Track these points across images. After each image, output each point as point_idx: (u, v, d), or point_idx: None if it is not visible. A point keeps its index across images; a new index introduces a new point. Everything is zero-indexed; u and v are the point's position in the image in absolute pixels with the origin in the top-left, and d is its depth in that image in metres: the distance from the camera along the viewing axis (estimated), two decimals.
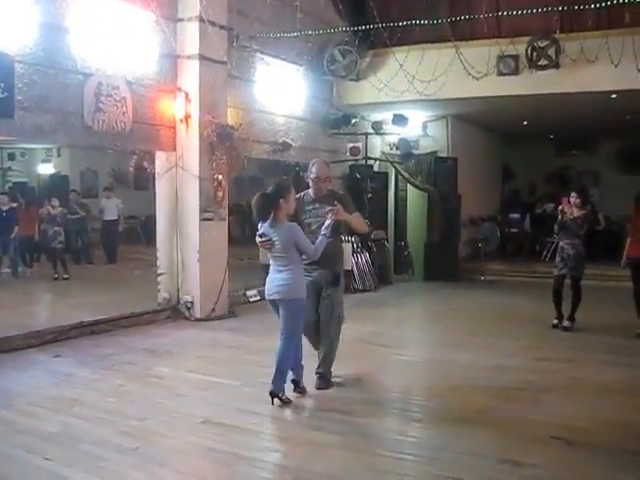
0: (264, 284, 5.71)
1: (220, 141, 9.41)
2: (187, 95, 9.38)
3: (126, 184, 17.88)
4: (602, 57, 10.38)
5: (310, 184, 6.08)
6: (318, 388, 5.95)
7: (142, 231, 17.39)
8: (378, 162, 14.51)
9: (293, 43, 11.28)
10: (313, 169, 6.05)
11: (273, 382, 5.45)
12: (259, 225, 5.58)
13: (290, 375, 5.69)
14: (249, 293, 10.70)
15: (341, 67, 12.43)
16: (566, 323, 8.77)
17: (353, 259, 12.14)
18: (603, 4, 9.78)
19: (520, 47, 11.31)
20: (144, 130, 9.03)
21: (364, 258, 12.60)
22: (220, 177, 9.59)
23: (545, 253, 14.75)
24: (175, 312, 9.58)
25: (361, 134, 13.52)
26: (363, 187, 13.06)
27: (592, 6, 10.15)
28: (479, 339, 8.32)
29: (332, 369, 6.11)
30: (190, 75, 9.39)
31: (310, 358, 6.05)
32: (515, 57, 11.44)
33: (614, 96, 11.52)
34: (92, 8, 8.00)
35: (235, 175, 10.67)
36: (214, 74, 9.54)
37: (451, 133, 14.80)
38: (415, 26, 10.86)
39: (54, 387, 6.11)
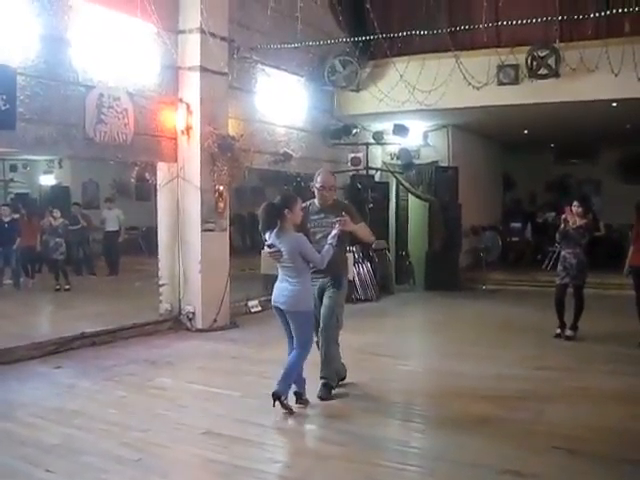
0: (265, 294, 5.75)
1: (221, 152, 9.43)
2: (188, 106, 9.41)
3: (128, 195, 17.93)
4: (602, 66, 10.40)
5: (315, 193, 6.14)
6: (320, 397, 5.92)
7: (143, 242, 17.40)
8: (379, 172, 14.53)
9: (294, 54, 11.33)
10: (319, 178, 6.11)
11: (278, 383, 5.47)
12: (266, 235, 5.62)
13: (293, 387, 5.69)
14: (250, 304, 10.69)
15: (342, 78, 12.46)
16: (569, 332, 8.75)
17: (355, 269, 12.13)
18: (603, 13, 9.82)
19: (520, 56, 11.35)
20: (145, 141, 9.06)
21: (365, 268, 12.60)
22: (221, 188, 9.60)
23: (546, 262, 14.76)
24: (177, 323, 9.58)
25: (362, 144, 13.56)
26: (364, 197, 13.05)
27: (592, 15, 10.20)
28: (480, 349, 8.30)
29: (337, 378, 6.11)
30: (191, 86, 9.42)
31: (312, 370, 6.04)
32: (515, 67, 11.47)
33: (614, 105, 11.55)
34: (94, 20, 8.04)
35: (236, 186, 10.70)
36: (215, 85, 9.58)
37: (452, 143, 14.82)
38: (415, 36, 10.91)
39: (56, 398, 6.10)
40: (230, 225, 10.15)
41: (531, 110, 12.28)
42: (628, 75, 10.16)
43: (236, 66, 10.11)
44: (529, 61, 11.28)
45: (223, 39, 9.63)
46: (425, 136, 14.78)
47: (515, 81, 11.51)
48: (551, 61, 11.16)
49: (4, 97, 6.89)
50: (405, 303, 12.78)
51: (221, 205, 9.66)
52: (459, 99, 11.81)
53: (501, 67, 11.53)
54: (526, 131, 16.02)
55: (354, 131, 13.01)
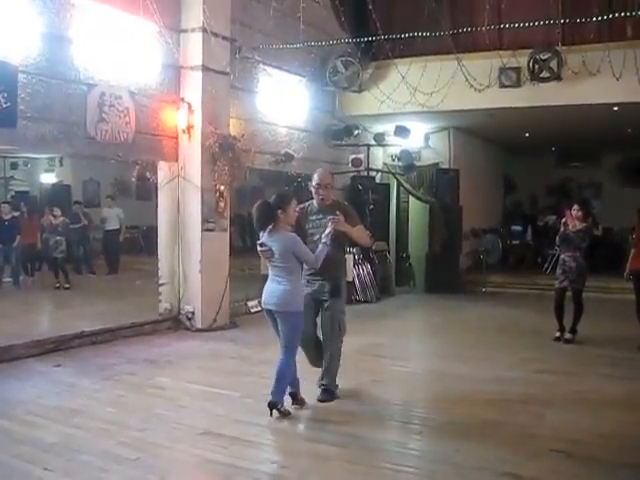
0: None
1: (222, 152, 9.43)
2: (190, 106, 9.41)
3: (128, 194, 17.91)
4: (604, 70, 10.40)
5: (313, 193, 6.00)
6: (320, 400, 5.92)
7: (144, 241, 17.39)
8: (380, 173, 14.53)
9: (296, 54, 11.34)
10: (315, 176, 5.99)
11: (272, 393, 5.43)
12: (260, 234, 5.57)
13: (288, 388, 5.67)
14: (250, 304, 10.68)
15: (343, 78, 12.46)
16: (568, 335, 8.74)
17: (355, 271, 12.14)
18: (605, 17, 9.82)
19: (522, 59, 11.36)
20: (147, 140, 9.06)
21: (366, 270, 12.60)
22: (222, 188, 9.60)
23: (547, 265, 14.76)
24: (176, 322, 9.58)
25: (363, 145, 13.56)
26: (365, 198, 13.06)
27: (594, 19, 10.19)
28: (480, 351, 8.29)
29: (337, 382, 6.08)
30: (193, 86, 9.43)
31: (310, 370, 6.03)
32: (517, 69, 11.48)
33: (616, 108, 11.55)
34: (95, 19, 8.05)
35: (237, 186, 10.69)
36: (217, 85, 9.58)
37: (453, 145, 14.81)
38: (417, 38, 10.91)
39: (54, 397, 6.10)
40: (230, 225, 10.15)
41: (532, 113, 12.29)
42: (630, 79, 10.16)
43: (238, 66, 10.12)
44: (531, 64, 11.29)
45: (225, 39, 9.63)
46: (426, 138, 14.78)
47: (517, 84, 11.52)
48: (553, 64, 11.15)
49: (5, 95, 6.90)
50: (405, 305, 12.78)
51: (222, 205, 9.66)
52: (461, 101, 11.81)
53: (503, 70, 11.54)
54: (527, 134, 16.02)
55: (355, 132, 13.01)
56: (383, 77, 12.54)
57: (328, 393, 5.98)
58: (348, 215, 5.85)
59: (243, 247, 16.49)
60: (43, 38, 7.48)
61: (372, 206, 13.13)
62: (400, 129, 13.24)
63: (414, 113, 12.42)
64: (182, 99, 9.46)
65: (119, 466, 4.49)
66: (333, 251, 5.70)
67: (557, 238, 8.89)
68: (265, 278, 5.73)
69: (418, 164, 14.33)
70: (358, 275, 12.36)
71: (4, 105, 6.90)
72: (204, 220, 9.45)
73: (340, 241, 5.91)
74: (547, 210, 17.60)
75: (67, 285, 13.14)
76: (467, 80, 11.38)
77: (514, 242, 17.11)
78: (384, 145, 13.95)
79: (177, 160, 9.58)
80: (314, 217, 5.94)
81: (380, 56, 12.13)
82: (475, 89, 11.45)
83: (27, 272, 14.07)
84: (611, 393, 6.38)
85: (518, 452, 4.76)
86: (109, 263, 15.59)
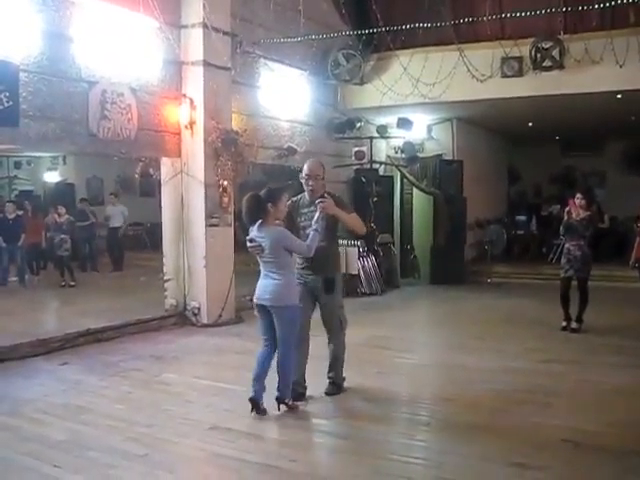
0: None
1: (225, 147, 9.43)
2: (192, 101, 9.40)
3: (132, 191, 17.94)
4: (607, 57, 10.37)
5: (303, 185, 5.80)
6: (327, 394, 5.91)
7: (148, 237, 17.43)
8: (383, 166, 14.50)
9: (297, 48, 11.30)
10: (304, 167, 5.81)
11: (279, 389, 5.43)
12: (249, 228, 5.47)
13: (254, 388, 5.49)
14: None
15: (345, 71, 12.44)
16: (574, 325, 8.73)
17: (359, 263, 12.14)
18: (607, 4, 9.75)
19: (524, 49, 11.32)
20: (149, 137, 9.06)
21: (370, 262, 12.58)
22: (225, 183, 9.60)
23: (551, 255, 14.72)
24: (182, 318, 9.59)
25: (366, 138, 13.53)
26: (368, 191, 13.06)
27: (596, 6, 10.12)
28: (486, 342, 8.29)
29: (344, 375, 6.07)
30: (194, 81, 9.41)
31: (317, 363, 6.03)
32: (519, 59, 11.44)
33: (619, 96, 11.50)
34: (96, 16, 8.03)
35: (240, 181, 10.68)
36: (218, 80, 9.57)
37: (456, 136, 14.77)
38: (418, 29, 10.85)
39: (61, 394, 6.12)
40: (235, 220, 10.14)
41: (535, 102, 12.24)
42: (633, 66, 10.14)
43: (239, 61, 10.11)
44: (533, 53, 11.25)
45: (226, 34, 9.62)
46: (429, 129, 14.75)
47: (519, 73, 11.48)
48: (555, 53, 11.11)
49: (7, 94, 6.90)
50: (410, 297, 12.77)
51: (225, 200, 9.66)
52: (463, 92, 11.78)
53: (505, 59, 11.50)
54: (531, 124, 15.96)
55: (358, 125, 12.99)
56: (385, 69, 12.51)
57: (335, 386, 5.99)
58: (339, 203, 5.70)
59: None
60: (44, 36, 7.47)
61: (376, 199, 13.13)
62: (403, 121, 13.21)
63: (416, 105, 12.39)
64: (184, 95, 9.45)
65: (127, 462, 4.50)
66: (325, 243, 5.58)
67: (561, 227, 8.87)
68: None
69: (421, 156, 14.31)
70: (363, 267, 12.34)
71: (6, 104, 6.90)
72: (208, 215, 9.44)
73: (332, 230, 5.74)
74: (551, 200, 17.54)
75: (72, 283, 13.17)
76: (469, 70, 11.36)
77: (519, 232, 17.07)
78: (387, 137, 13.93)
79: (180, 156, 9.57)
80: (306, 210, 5.76)
81: (381, 48, 12.10)
82: (477, 79, 11.43)
83: (32, 271, 14.09)
84: (618, 382, 6.37)
85: (526, 442, 4.77)
86: (114, 260, 15.62)
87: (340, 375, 6.05)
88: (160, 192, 9.96)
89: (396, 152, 14.60)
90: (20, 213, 13.38)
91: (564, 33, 11.10)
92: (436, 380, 6.84)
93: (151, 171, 9.71)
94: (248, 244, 5.45)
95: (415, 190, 15.00)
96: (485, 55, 11.42)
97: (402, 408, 5.84)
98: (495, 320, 10.00)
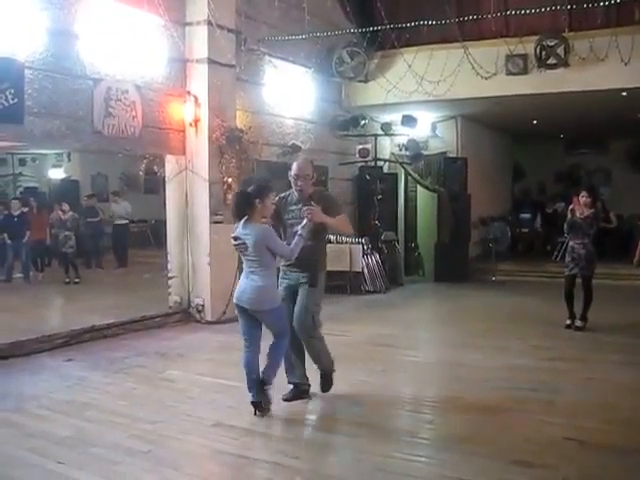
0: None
1: (229, 144, 9.44)
2: (196, 99, 9.40)
3: (136, 188, 17.94)
4: (612, 55, 10.35)
5: (292, 184, 5.65)
6: (323, 391, 5.83)
7: (152, 235, 17.43)
8: (387, 163, 14.51)
9: (301, 45, 11.31)
10: (293, 166, 5.60)
11: (264, 372, 5.30)
12: (235, 224, 5.39)
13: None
14: None
15: (349, 69, 12.44)
16: (578, 323, 8.72)
17: (363, 260, 12.14)
18: (612, 1, 9.74)
19: (529, 46, 11.29)
20: (154, 134, 9.06)
21: (374, 259, 12.58)
22: (230, 180, 9.60)
23: (556, 253, 14.70)
24: (186, 315, 9.61)
25: (370, 135, 13.54)
26: (373, 188, 13.07)
27: (601, 4, 10.11)
28: (490, 340, 8.29)
29: (334, 367, 5.84)
30: (199, 79, 9.42)
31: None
32: (524, 56, 11.42)
33: (624, 94, 11.46)
34: (101, 13, 8.04)
35: (244, 178, 10.68)
36: (223, 77, 9.57)
37: (460, 133, 14.77)
38: (423, 27, 10.87)
39: (66, 391, 6.13)
40: None
41: (540, 100, 12.22)
42: (638, 64, 10.13)
43: (243, 58, 10.12)
44: (538, 51, 11.22)
45: (230, 31, 9.61)
46: (433, 127, 14.74)
47: (524, 71, 11.46)
48: (560, 50, 11.09)
49: (12, 91, 6.91)
50: (414, 294, 12.77)
51: (229, 197, 9.64)
52: (467, 89, 11.77)
53: (510, 57, 11.48)
54: (535, 121, 15.94)
55: (362, 122, 12.99)
56: (389, 66, 12.50)
57: (325, 379, 5.80)
58: (327, 204, 5.55)
59: None
60: (49, 33, 7.48)
61: (380, 196, 13.13)
62: (407, 118, 13.20)
63: (421, 102, 12.38)
64: (188, 92, 9.45)
65: (131, 458, 4.51)
66: (312, 242, 5.45)
67: (565, 225, 8.85)
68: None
69: (426, 153, 14.31)
70: (367, 265, 12.34)
71: (11, 101, 6.91)
72: (212, 212, 9.45)
73: (319, 232, 5.59)
74: (556, 197, 17.52)
75: (77, 280, 13.19)
76: (474, 68, 11.35)
77: (523, 230, 17.07)
78: (391, 135, 13.93)
79: (184, 153, 9.58)
80: (294, 207, 5.62)
81: (386, 45, 12.08)
82: (482, 77, 11.42)
83: (37, 267, 14.15)
84: (622, 380, 6.37)
85: (530, 440, 4.76)
86: (118, 257, 15.63)
87: (329, 367, 5.81)
88: (164, 189, 9.97)
89: (400, 150, 14.60)
90: (25, 210, 13.42)
91: (569, 30, 11.09)
92: (440, 378, 6.84)
93: (155, 168, 9.72)
94: (232, 242, 5.33)
95: (419, 188, 15.02)
96: (490, 52, 11.41)
97: (406, 405, 5.84)
98: (499, 318, 9.99)
